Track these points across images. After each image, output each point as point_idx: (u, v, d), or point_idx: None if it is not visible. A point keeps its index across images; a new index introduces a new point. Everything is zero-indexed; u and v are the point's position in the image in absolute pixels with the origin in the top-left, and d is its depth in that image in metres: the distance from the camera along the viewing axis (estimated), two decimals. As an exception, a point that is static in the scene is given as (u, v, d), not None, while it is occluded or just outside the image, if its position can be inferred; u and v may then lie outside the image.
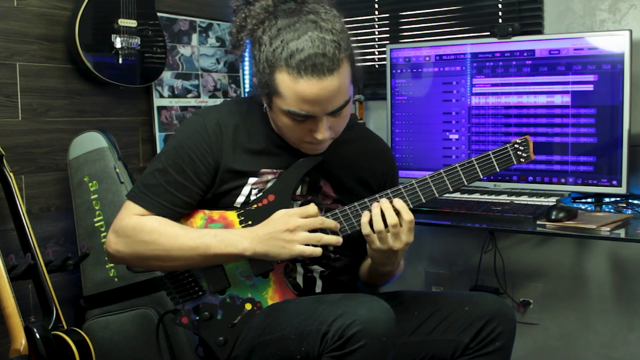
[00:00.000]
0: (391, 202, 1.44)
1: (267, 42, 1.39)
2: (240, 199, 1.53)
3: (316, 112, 1.39)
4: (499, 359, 1.49)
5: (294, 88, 1.37)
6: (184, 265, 1.51)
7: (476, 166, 1.45)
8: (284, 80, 1.38)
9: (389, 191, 1.47)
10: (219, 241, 1.45)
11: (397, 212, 1.44)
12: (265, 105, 1.49)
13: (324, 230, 1.46)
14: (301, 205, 1.55)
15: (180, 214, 1.53)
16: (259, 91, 1.47)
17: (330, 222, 1.47)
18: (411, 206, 1.46)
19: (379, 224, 1.43)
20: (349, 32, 1.44)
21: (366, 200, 1.48)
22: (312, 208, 1.45)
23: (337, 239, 1.45)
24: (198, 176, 1.51)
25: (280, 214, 1.45)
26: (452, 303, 1.55)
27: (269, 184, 1.53)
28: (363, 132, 1.70)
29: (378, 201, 1.46)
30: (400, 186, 1.47)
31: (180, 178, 1.50)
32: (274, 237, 1.42)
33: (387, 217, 1.43)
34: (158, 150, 2.66)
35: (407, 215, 1.44)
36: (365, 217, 1.45)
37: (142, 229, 1.48)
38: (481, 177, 1.46)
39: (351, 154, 1.61)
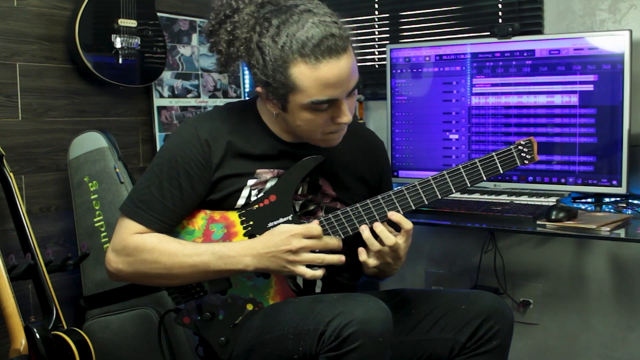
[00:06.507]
0: (385, 217, 1.44)
1: (270, 43, 1.38)
2: (241, 201, 1.53)
3: (338, 95, 1.40)
4: (496, 358, 1.48)
5: (315, 75, 1.36)
6: (186, 281, 1.51)
7: (480, 168, 1.43)
8: (302, 72, 1.37)
9: (391, 193, 1.46)
10: (218, 258, 1.45)
11: (393, 224, 1.44)
12: (275, 111, 1.48)
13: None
14: (302, 205, 1.56)
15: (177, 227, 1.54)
16: (268, 96, 1.45)
17: (333, 243, 1.45)
18: (402, 213, 1.46)
19: (374, 246, 1.44)
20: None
21: (368, 202, 1.46)
22: (315, 229, 1.43)
23: (339, 258, 1.43)
24: (194, 188, 1.50)
25: (283, 232, 1.42)
26: (449, 301, 1.55)
27: (269, 184, 1.53)
28: (357, 129, 1.69)
29: (381, 203, 1.45)
30: (402, 187, 1.46)
31: (176, 192, 1.49)
32: (276, 255, 1.42)
33: (384, 239, 1.43)
34: (158, 150, 2.66)
35: (407, 225, 1.44)
36: (366, 232, 1.45)
37: (144, 248, 1.47)
38: (484, 178, 1.44)
39: (348, 151, 1.60)
